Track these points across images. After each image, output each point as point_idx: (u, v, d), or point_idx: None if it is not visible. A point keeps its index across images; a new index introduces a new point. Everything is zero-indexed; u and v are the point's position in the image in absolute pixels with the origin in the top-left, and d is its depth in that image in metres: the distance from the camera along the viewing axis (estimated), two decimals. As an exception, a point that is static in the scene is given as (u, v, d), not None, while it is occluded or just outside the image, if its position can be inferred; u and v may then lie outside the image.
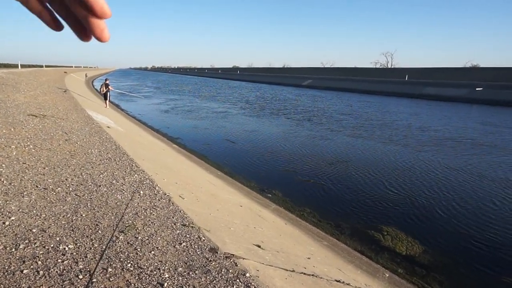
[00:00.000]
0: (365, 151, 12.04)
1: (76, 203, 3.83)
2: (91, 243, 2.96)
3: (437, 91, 38.78)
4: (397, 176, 9.10)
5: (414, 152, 11.87)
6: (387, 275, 4.53)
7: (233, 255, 3.12)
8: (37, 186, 4.15)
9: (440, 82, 40.84)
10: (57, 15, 0.46)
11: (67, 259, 2.66)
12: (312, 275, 3.42)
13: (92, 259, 2.70)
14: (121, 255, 2.82)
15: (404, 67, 59.98)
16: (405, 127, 17.53)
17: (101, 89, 17.22)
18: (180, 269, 2.73)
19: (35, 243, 2.85)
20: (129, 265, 2.68)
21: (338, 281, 3.54)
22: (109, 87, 16.94)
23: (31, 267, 2.51)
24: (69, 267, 2.55)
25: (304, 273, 3.39)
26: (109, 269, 2.58)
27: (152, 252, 2.95)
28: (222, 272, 2.76)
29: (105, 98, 17.43)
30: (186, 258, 2.92)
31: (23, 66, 54.13)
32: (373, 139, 14.10)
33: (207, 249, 3.15)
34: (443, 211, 6.87)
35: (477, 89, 35.32)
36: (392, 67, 77.74)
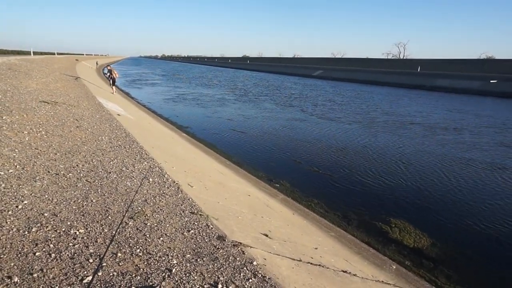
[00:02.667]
0: (373, 142, 11.91)
1: (87, 189, 3.89)
2: (101, 228, 3.01)
3: (450, 83, 37.95)
4: (406, 167, 9.00)
5: (426, 144, 11.70)
6: (394, 267, 4.51)
7: (240, 243, 3.14)
8: (49, 172, 4.22)
9: (453, 74, 39.92)
10: None
11: (78, 243, 2.71)
12: (319, 265, 3.43)
13: (102, 244, 2.75)
14: (131, 240, 2.86)
15: (416, 58, 58.83)
16: (413, 119, 17.28)
17: (111, 75, 16.96)
18: (188, 255, 2.76)
19: (47, 226, 2.91)
20: (138, 250, 2.72)
21: (345, 271, 3.54)
22: (113, 71, 16.61)
23: (43, 249, 2.56)
24: (80, 251, 2.60)
25: (311, 263, 3.40)
26: (119, 254, 2.62)
27: (161, 238, 2.98)
28: (230, 260, 2.78)
29: (112, 84, 17.26)
30: (194, 245, 2.95)
31: (35, 53, 54.63)
32: (380, 131, 13.94)
33: (215, 237, 3.18)
34: (453, 204, 6.79)
35: (491, 81, 34.45)
36: (405, 58, 76.27)
